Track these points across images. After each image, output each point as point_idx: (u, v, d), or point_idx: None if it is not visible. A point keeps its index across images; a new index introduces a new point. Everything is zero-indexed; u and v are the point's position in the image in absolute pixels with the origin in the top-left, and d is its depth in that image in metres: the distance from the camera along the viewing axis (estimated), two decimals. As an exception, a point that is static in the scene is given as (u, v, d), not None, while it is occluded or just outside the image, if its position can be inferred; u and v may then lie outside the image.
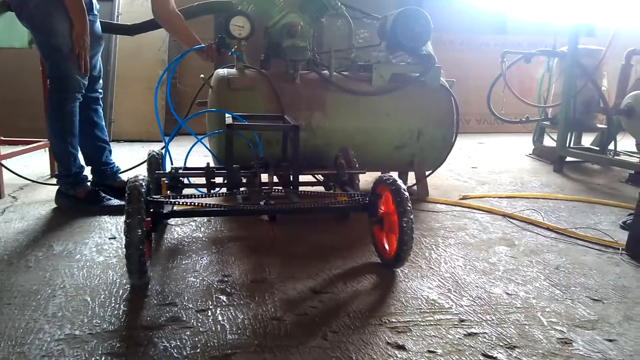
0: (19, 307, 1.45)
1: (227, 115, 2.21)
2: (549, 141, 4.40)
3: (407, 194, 1.65)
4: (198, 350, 1.24)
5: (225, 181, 2.10)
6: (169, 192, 2.08)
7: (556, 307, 1.51)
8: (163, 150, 2.40)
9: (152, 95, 4.85)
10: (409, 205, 1.64)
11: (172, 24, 2.48)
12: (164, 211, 1.77)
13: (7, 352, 1.22)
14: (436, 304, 1.51)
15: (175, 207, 1.94)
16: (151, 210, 1.65)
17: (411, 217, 1.62)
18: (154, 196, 1.68)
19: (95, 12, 2.47)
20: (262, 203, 1.72)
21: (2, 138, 2.65)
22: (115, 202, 2.41)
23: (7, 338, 1.28)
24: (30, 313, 1.41)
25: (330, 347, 1.26)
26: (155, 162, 2.30)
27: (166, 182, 2.10)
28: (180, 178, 2.13)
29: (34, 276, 1.66)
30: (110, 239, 2.03)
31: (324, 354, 1.23)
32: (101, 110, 2.64)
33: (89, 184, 2.49)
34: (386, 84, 2.63)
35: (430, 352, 1.25)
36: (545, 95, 4.36)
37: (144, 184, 1.56)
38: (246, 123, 2.18)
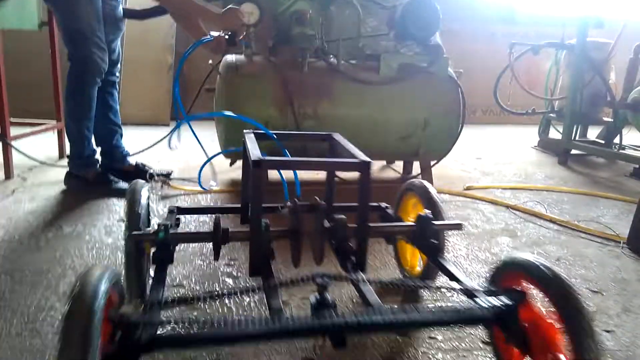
0: (30, 285, 1.49)
1: (246, 132, 1.43)
2: (554, 134, 4.40)
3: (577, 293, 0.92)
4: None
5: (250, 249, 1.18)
6: (153, 269, 1.18)
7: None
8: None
9: (159, 80, 4.87)
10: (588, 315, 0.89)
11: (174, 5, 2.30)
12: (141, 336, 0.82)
13: (20, 328, 1.26)
14: (437, 293, 1.54)
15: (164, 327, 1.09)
16: (115, 335, 0.81)
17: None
18: (122, 311, 0.83)
19: None
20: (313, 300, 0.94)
21: (12, 120, 2.68)
22: (123, 185, 2.44)
23: (19, 315, 1.32)
24: (42, 291, 1.45)
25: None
26: (135, 203, 1.31)
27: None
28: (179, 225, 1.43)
29: (44, 256, 1.70)
30: (118, 221, 2.07)
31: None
32: (117, 94, 2.66)
33: (98, 166, 2.52)
34: (394, 73, 2.64)
35: (431, 338, 1.29)
36: (552, 87, 4.34)
37: (102, 286, 0.78)
38: (280, 159, 1.45)
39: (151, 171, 2.65)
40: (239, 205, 1.52)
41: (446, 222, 1.34)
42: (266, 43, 2.59)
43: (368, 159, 1.16)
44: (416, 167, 2.91)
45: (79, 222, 2.03)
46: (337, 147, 1.42)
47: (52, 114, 3.16)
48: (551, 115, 4.27)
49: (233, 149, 2.48)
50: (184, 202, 2.34)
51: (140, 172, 2.63)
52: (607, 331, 1.36)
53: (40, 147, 3.17)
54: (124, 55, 4.91)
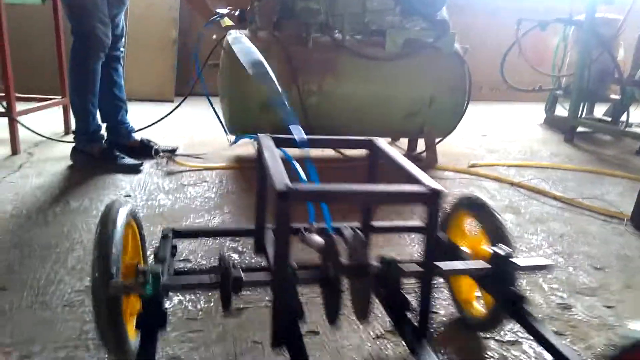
0: (39, 259, 1.51)
1: (261, 136, 1.12)
2: (561, 111, 4.37)
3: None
4: (212, 305, 1.29)
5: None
6: (138, 334, 0.93)
7: (558, 274, 1.55)
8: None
9: (163, 55, 4.84)
10: None
11: None
12: None
13: (30, 301, 1.29)
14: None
15: None
16: None
17: None
18: None
19: None
20: None
21: (17, 95, 2.68)
22: (128, 160, 2.45)
23: (29, 288, 1.35)
24: (51, 265, 1.47)
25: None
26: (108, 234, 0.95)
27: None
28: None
29: (52, 230, 1.72)
30: (125, 196, 2.08)
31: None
32: (121, 70, 2.66)
33: (104, 142, 2.53)
34: (399, 49, 2.62)
35: (431, 312, 1.31)
36: (560, 64, 4.30)
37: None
38: (315, 188, 0.94)
39: (156, 147, 2.65)
40: (252, 228, 1.24)
41: (531, 262, 1.04)
42: (270, 18, 2.57)
43: (437, 186, 0.89)
44: (420, 144, 2.90)
45: (86, 197, 2.05)
46: (379, 157, 1.13)
47: (56, 90, 3.16)
48: (558, 92, 4.23)
49: (242, 136, 2.41)
50: (189, 178, 2.35)
51: (145, 147, 2.64)
52: (609, 307, 1.38)
53: (46, 123, 3.17)
54: (127, 29, 4.88)
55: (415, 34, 2.66)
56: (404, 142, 3.13)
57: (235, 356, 1.11)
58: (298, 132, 1.10)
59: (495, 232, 1.10)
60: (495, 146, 3.34)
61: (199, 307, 1.28)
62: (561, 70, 4.24)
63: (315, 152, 2.72)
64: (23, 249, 1.57)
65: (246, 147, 2.85)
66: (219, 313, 1.26)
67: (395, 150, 1.11)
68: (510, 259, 1.01)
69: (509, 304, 1.01)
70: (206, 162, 2.62)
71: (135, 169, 2.41)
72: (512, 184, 2.48)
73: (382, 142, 1.16)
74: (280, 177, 0.86)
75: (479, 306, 1.22)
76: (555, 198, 2.29)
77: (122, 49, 2.63)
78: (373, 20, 2.74)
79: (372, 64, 2.56)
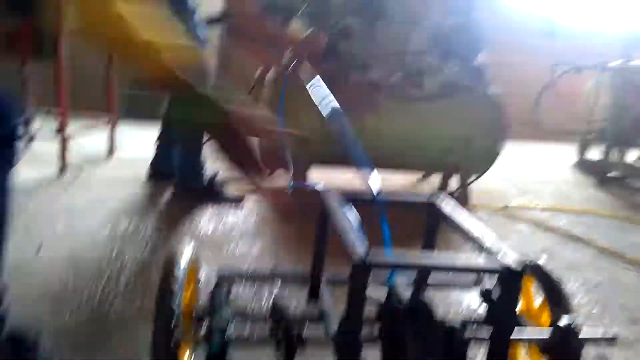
0: (92, 278, 1.59)
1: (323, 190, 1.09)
2: (593, 154, 4.36)
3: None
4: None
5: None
6: None
7: (593, 324, 1.57)
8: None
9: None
10: None
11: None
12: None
13: (89, 319, 1.36)
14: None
15: None
16: None
17: None
18: None
19: None
20: None
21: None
22: (230, 194, 2.47)
23: (87, 307, 1.43)
24: (104, 284, 1.56)
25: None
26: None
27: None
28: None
29: (102, 250, 1.81)
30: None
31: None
32: None
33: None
34: (437, 90, 2.69)
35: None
36: (594, 108, 4.31)
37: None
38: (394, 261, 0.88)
39: (225, 196, 2.52)
40: (307, 273, 1.19)
41: (596, 335, 1.02)
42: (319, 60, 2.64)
43: (517, 264, 0.82)
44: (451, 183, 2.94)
45: (133, 219, 2.14)
46: (439, 217, 1.09)
47: (102, 106, 3.23)
48: (591, 136, 4.24)
49: (301, 184, 2.34)
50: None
51: (211, 191, 2.52)
52: (645, 361, 1.39)
53: (92, 141, 3.29)
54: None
55: (453, 76, 2.73)
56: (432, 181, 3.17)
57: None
58: (374, 187, 1.01)
59: (558, 301, 1.08)
60: (527, 187, 3.35)
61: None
62: (595, 114, 4.25)
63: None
64: (77, 269, 1.66)
65: (282, 177, 2.92)
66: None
67: (461, 210, 1.04)
68: (577, 330, 0.98)
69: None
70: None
71: (239, 202, 2.45)
72: (546, 228, 2.50)
73: (446, 201, 1.07)
74: (359, 245, 0.80)
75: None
76: (589, 244, 2.30)
77: None
78: (412, 62, 2.82)
79: (410, 104, 2.64)
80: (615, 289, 1.85)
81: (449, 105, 2.68)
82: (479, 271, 1.00)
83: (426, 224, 1.12)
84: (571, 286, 1.84)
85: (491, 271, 0.87)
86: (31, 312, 1.36)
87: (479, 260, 0.87)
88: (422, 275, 1.06)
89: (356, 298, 0.81)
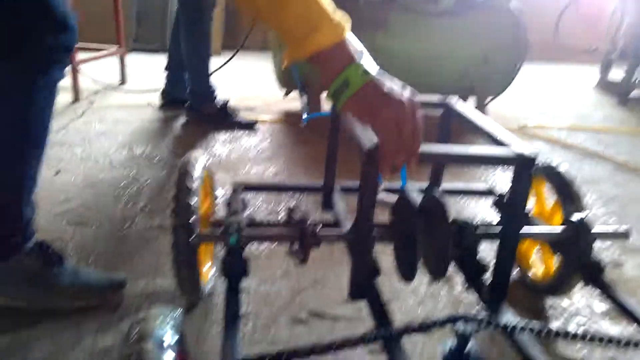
0: (112, 198, 1.62)
1: None
2: (615, 74, 4.22)
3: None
4: (272, 247, 1.38)
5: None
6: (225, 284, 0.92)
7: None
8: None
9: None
10: None
11: None
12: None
13: (111, 235, 1.40)
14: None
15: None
16: None
17: None
18: None
19: None
20: None
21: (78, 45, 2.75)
22: (242, 119, 2.47)
23: (109, 224, 1.46)
24: (124, 204, 1.59)
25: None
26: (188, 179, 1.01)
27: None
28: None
29: (120, 173, 1.83)
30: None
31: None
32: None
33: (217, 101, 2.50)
34: (453, 5, 2.58)
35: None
36: (618, 27, 4.13)
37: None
38: None
39: (237, 120, 2.50)
40: (320, 184, 1.22)
41: (608, 230, 1.03)
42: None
43: (530, 152, 0.82)
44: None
45: (149, 145, 2.15)
46: (453, 115, 1.09)
47: (112, 39, 3.22)
48: (613, 55, 4.09)
49: (314, 114, 2.36)
50: (241, 130, 2.42)
51: (224, 115, 2.49)
52: (660, 267, 1.40)
53: (103, 72, 3.27)
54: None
55: (470, -11, 2.61)
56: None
57: (299, 292, 1.20)
58: None
59: (571, 199, 1.08)
60: (546, 107, 3.28)
61: (261, 249, 1.37)
62: (617, 33, 4.08)
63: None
64: (96, 189, 1.69)
65: (295, 102, 2.89)
66: (280, 254, 1.34)
67: (473, 110, 1.04)
68: (589, 226, 0.98)
69: (587, 272, 0.99)
70: (259, 114, 2.69)
71: (251, 127, 2.45)
72: (563, 145, 2.46)
73: (457, 103, 1.09)
74: (367, 136, 0.80)
75: (543, 270, 1.20)
76: (607, 160, 2.27)
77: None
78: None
79: (424, 21, 2.54)
80: (632, 202, 1.84)
81: (465, 21, 2.58)
82: (493, 162, 0.98)
83: (440, 122, 1.12)
84: (588, 198, 1.84)
85: (505, 160, 0.86)
86: (54, 228, 1.41)
87: (492, 149, 0.86)
88: (436, 175, 1.06)
89: (369, 183, 0.81)
